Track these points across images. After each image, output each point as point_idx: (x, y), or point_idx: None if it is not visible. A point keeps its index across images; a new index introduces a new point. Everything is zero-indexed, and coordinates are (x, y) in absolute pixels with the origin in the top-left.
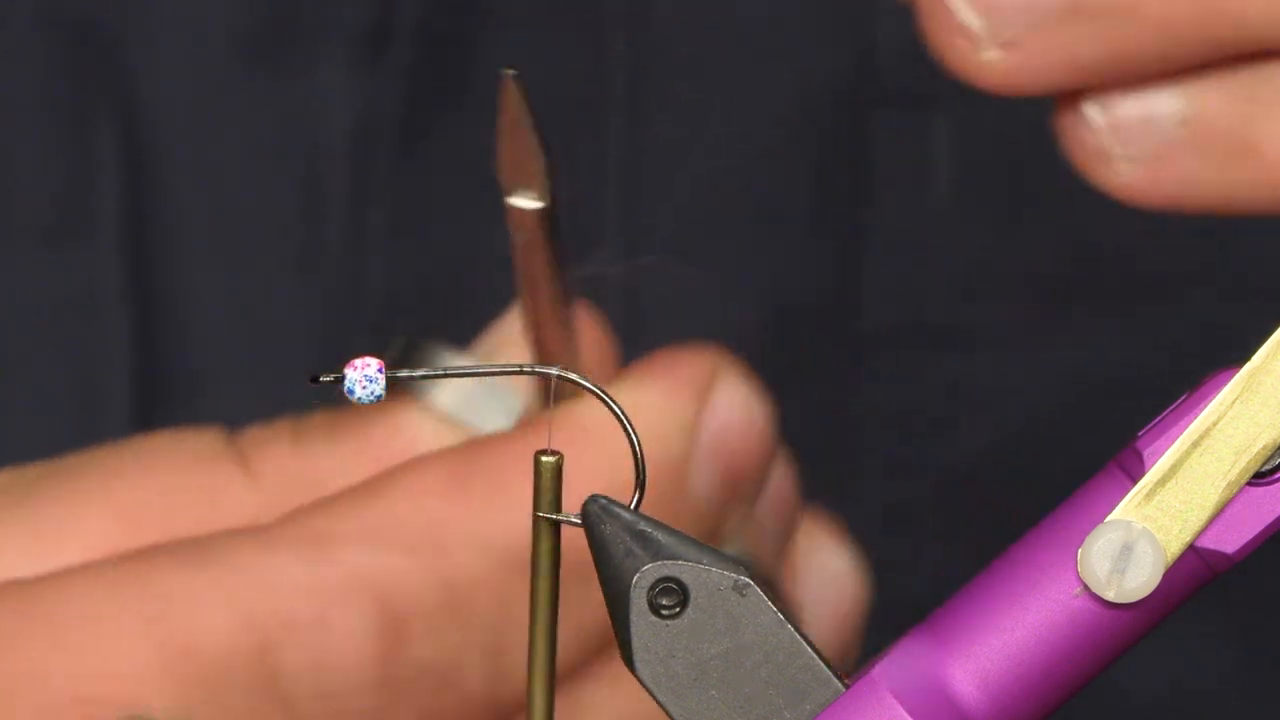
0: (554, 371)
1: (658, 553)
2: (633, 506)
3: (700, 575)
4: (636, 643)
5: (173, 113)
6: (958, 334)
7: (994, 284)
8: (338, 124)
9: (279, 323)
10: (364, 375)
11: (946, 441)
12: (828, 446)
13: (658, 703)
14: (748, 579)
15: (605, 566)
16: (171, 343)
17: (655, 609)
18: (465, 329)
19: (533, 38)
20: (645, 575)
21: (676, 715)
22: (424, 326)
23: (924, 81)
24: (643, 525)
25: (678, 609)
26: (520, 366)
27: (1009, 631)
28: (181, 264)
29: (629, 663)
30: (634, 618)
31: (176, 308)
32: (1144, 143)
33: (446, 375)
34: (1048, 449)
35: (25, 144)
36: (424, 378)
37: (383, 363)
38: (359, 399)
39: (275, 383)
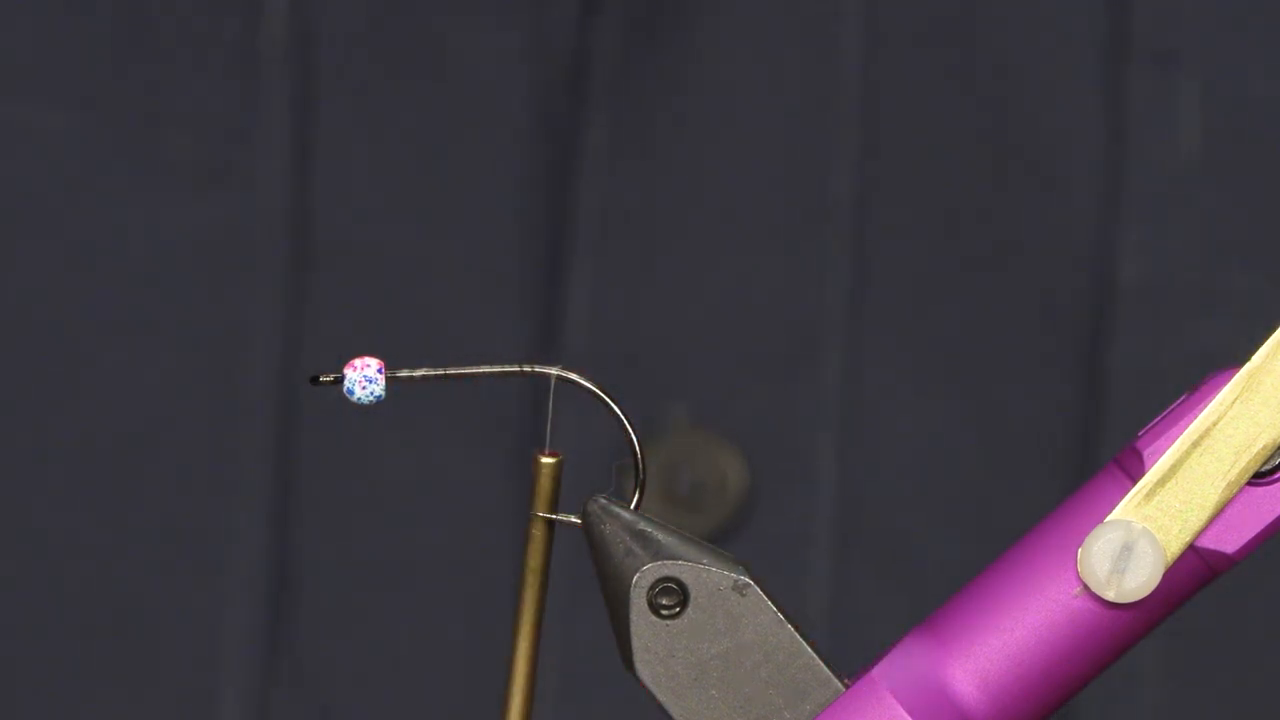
0: (554, 371)
1: (658, 553)
2: (633, 506)
3: (700, 575)
4: (636, 643)
5: (356, 46)
6: (1207, 297)
7: (1244, 248)
8: (554, 64)
9: (484, 257)
10: (363, 375)
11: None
12: (1073, 400)
13: (658, 703)
14: (748, 579)
15: (605, 566)
16: (339, 291)
17: (655, 609)
18: (678, 254)
19: None
20: (645, 575)
21: (676, 715)
22: (636, 249)
23: (1176, 38)
24: (643, 525)
25: (678, 609)
26: (520, 367)
27: (1009, 631)
28: (353, 195)
29: (629, 663)
30: (634, 618)
31: (364, 251)
32: None
33: (447, 376)
34: None
35: (185, 84)
36: (424, 378)
37: (382, 362)
38: (359, 400)
39: (465, 322)
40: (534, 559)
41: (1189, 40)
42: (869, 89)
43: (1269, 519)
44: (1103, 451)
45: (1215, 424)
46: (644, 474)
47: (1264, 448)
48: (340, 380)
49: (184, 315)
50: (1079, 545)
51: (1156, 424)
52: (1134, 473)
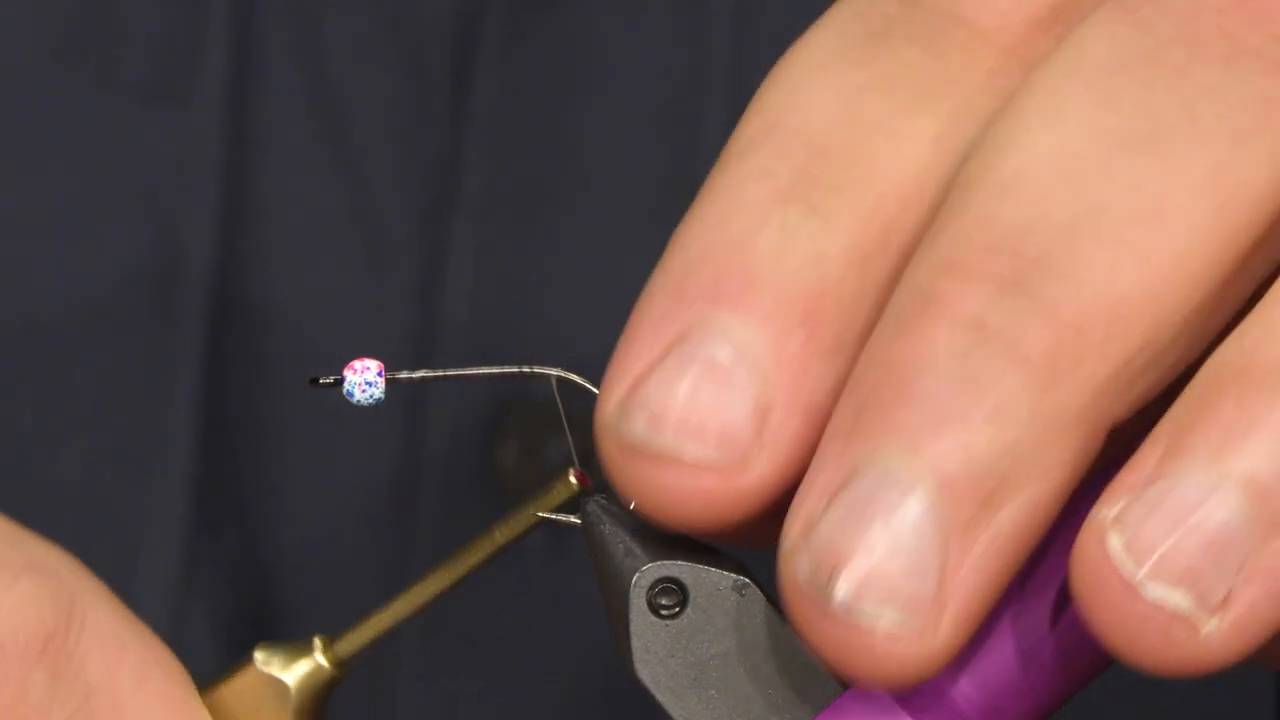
0: (554, 372)
1: (657, 553)
2: (632, 506)
3: (700, 575)
4: (636, 643)
5: None
6: None
7: None
8: (440, 10)
9: (377, 206)
10: (364, 379)
11: None
12: None
13: (657, 703)
14: (747, 579)
15: (604, 566)
16: (257, 217)
17: (655, 609)
18: (556, 225)
19: None
20: (645, 575)
21: (676, 715)
22: (523, 211)
23: None
24: (642, 525)
25: (677, 609)
26: (520, 368)
27: (1007, 631)
28: (277, 142)
29: (628, 663)
30: (633, 618)
31: (267, 181)
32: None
33: (446, 377)
34: None
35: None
36: (424, 379)
37: (382, 365)
38: (359, 402)
39: (366, 268)
40: (501, 535)
41: None
42: (735, 69)
43: None
44: None
45: None
46: None
47: None
48: (340, 382)
49: (118, 224)
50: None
51: None
52: None
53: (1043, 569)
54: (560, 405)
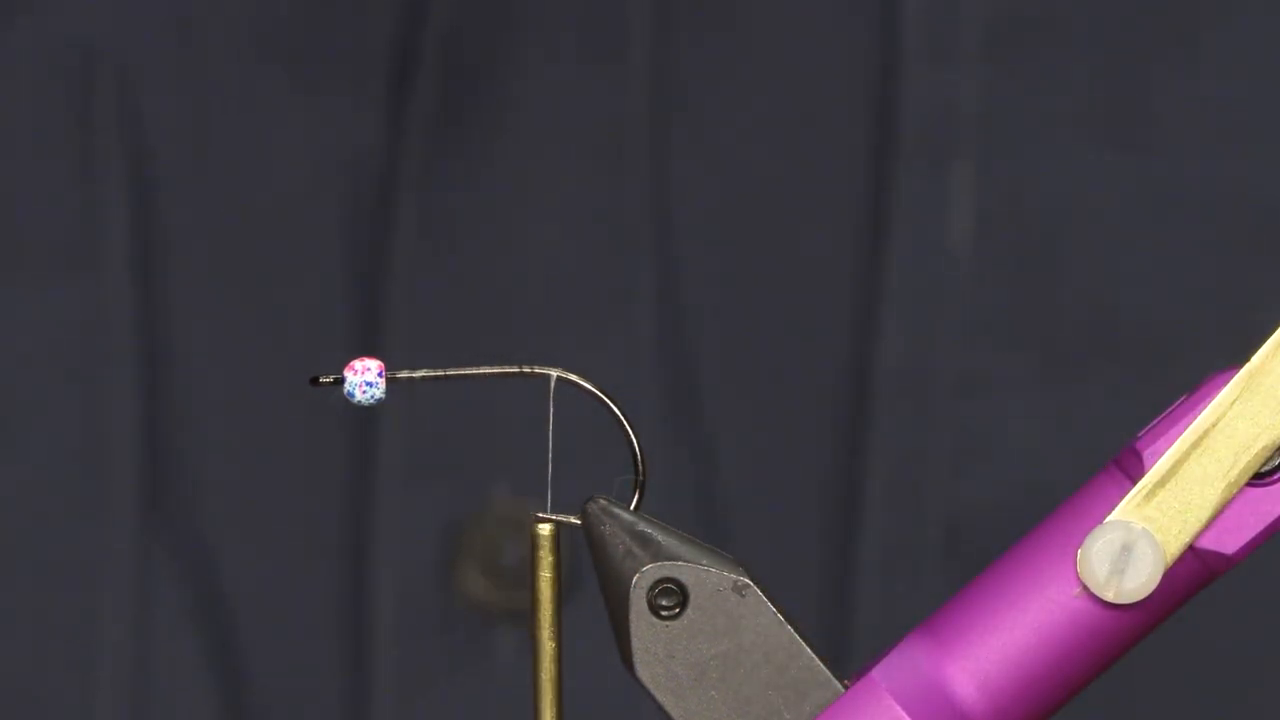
0: (554, 372)
1: (657, 553)
2: (632, 507)
3: (700, 576)
4: (636, 643)
5: (183, 137)
6: (970, 383)
7: (1009, 335)
8: (360, 147)
9: (299, 349)
10: (364, 380)
11: (950, 489)
12: (836, 484)
13: (657, 703)
14: (747, 579)
15: (604, 567)
16: (181, 372)
17: (655, 610)
18: (487, 349)
19: (553, 64)
20: (645, 576)
21: (676, 716)
22: (448, 350)
23: (945, 131)
24: (642, 526)
25: (677, 610)
26: (519, 367)
27: (1008, 632)
28: (193, 290)
29: (629, 664)
30: (633, 618)
31: (188, 337)
32: None
33: (446, 377)
34: (1050, 503)
35: (32, 176)
36: (424, 379)
37: (382, 365)
38: (359, 402)
39: (290, 404)
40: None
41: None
42: (656, 143)
43: (1268, 520)
44: (864, 531)
45: (1215, 424)
46: (644, 474)
47: (1264, 448)
48: (340, 382)
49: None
50: (1078, 546)
51: (1156, 424)
52: (1133, 473)
53: (1045, 569)
54: (553, 407)
